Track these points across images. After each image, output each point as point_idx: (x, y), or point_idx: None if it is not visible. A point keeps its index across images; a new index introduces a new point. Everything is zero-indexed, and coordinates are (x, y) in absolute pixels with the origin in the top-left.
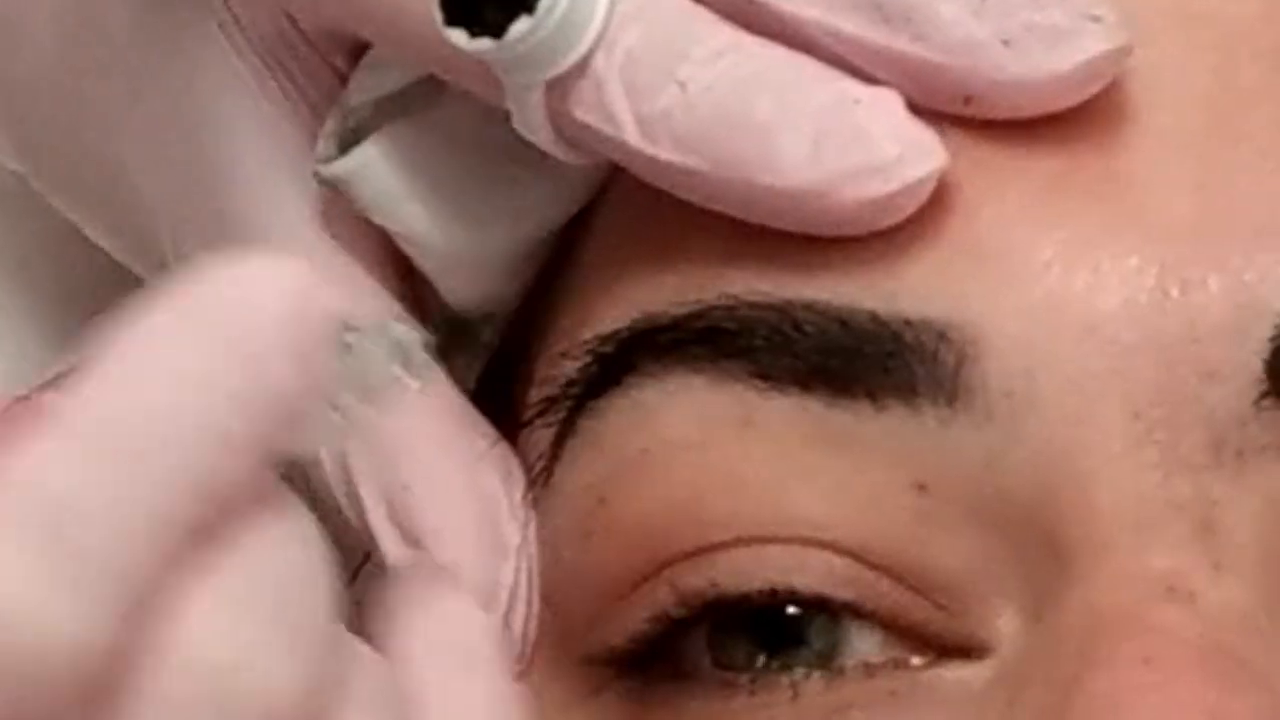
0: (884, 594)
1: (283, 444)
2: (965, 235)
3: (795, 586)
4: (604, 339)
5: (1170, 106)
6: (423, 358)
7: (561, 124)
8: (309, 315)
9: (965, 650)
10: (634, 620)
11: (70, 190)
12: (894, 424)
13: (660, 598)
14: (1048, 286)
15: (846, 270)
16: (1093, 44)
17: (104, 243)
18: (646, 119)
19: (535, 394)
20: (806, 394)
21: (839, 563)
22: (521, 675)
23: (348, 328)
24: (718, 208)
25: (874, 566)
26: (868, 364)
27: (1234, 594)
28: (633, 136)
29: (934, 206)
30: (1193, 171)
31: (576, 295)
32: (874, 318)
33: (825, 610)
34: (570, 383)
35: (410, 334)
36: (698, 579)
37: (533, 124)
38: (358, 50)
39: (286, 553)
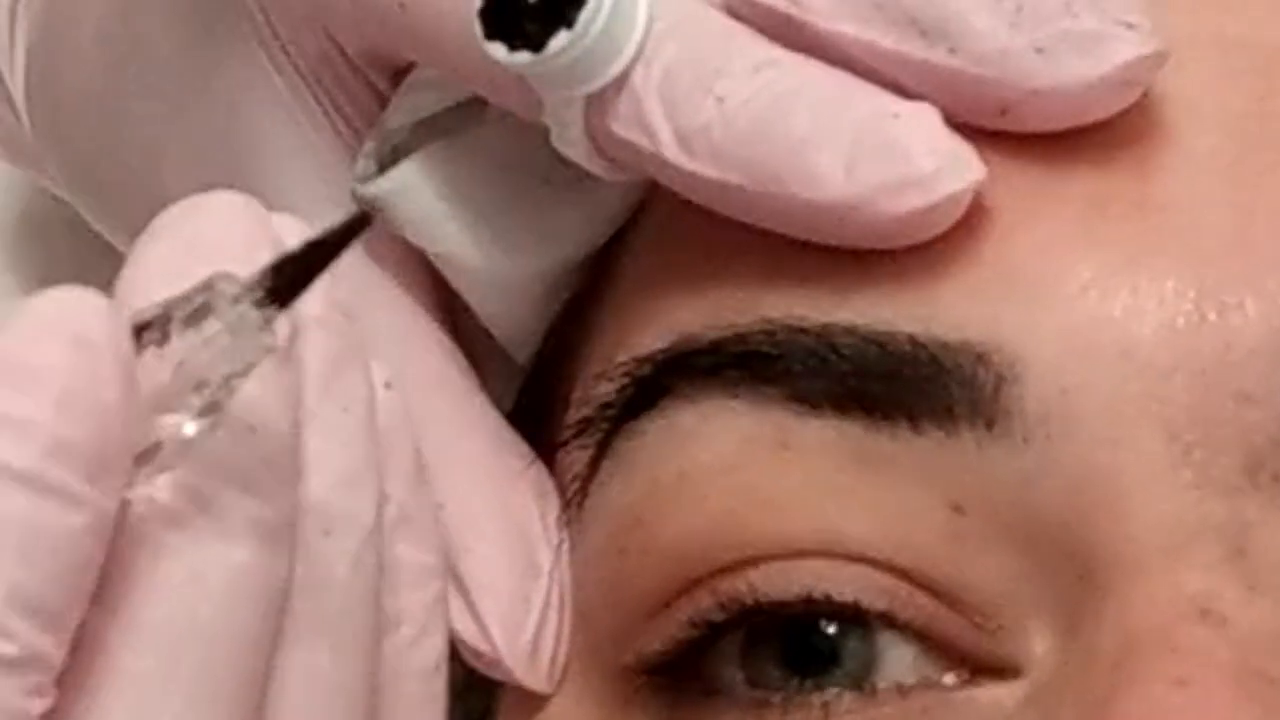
0: (919, 607)
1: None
2: (1002, 258)
3: (832, 595)
4: (640, 361)
5: (1207, 130)
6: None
7: (600, 140)
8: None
9: (999, 669)
10: (671, 625)
11: (112, 213)
12: (931, 446)
13: (698, 602)
14: (1085, 309)
15: (884, 293)
16: (1127, 50)
17: None
18: (685, 134)
19: (572, 415)
20: (844, 417)
21: (875, 575)
22: (553, 694)
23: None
24: (756, 222)
25: (910, 581)
26: (906, 387)
27: (1267, 616)
28: (671, 151)
29: (971, 229)
30: (1230, 195)
31: (613, 317)
32: (912, 340)
33: (860, 623)
34: (606, 404)
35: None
36: (737, 584)
37: (571, 140)
38: (399, 72)
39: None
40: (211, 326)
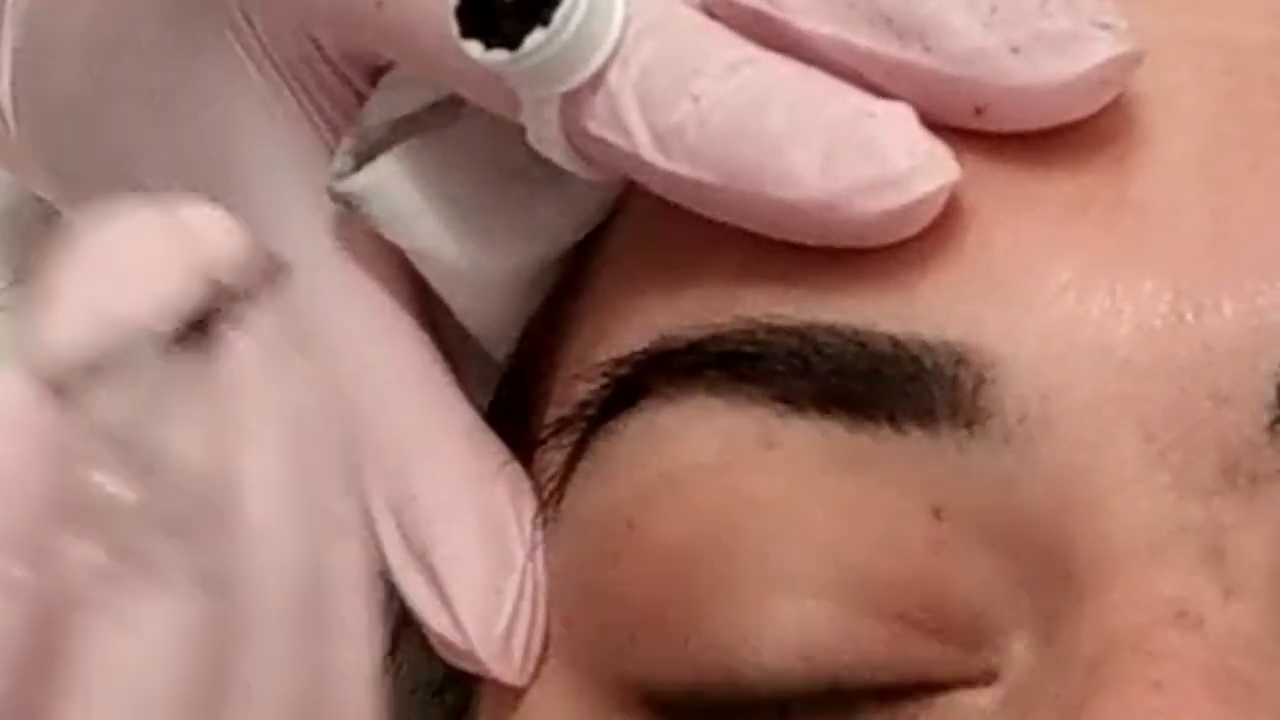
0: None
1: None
2: (981, 259)
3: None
4: (620, 361)
5: (1184, 131)
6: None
7: (576, 138)
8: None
9: (974, 678)
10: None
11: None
12: (912, 447)
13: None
14: (1063, 310)
15: (865, 293)
16: (1103, 50)
17: None
18: (660, 133)
19: (550, 414)
20: (826, 417)
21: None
22: (524, 689)
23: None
24: (732, 221)
25: (890, 593)
26: (887, 387)
27: (1244, 619)
28: (647, 150)
29: (949, 230)
30: (1207, 196)
31: (591, 316)
32: (893, 341)
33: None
34: (584, 404)
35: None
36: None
37: (548, 138)
38: (378, 71)
39: None
40: (133, 376)
